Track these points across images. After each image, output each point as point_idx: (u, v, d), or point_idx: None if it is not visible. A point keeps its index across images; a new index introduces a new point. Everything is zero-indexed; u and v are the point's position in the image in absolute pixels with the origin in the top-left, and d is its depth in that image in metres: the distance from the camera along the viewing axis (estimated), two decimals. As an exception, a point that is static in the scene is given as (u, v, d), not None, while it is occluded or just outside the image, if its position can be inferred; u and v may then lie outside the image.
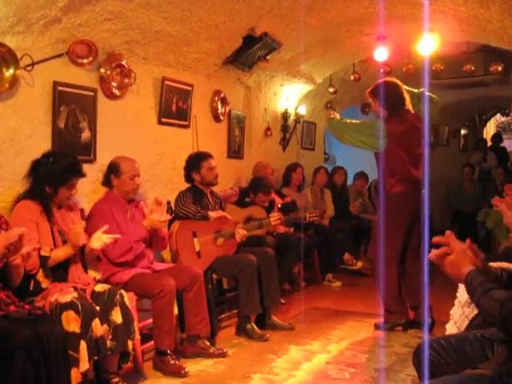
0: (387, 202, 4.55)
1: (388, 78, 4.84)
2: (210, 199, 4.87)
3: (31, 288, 3.22)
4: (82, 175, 3.56)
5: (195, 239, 4.60)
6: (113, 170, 4.07)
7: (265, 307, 4.70)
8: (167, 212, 4.15)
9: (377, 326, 4.75)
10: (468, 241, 2.04)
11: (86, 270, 3.66)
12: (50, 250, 3.29)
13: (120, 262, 3.90)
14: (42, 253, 3.22)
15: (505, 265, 2.77)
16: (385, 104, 4.61)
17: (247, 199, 5.63)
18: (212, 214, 4.68)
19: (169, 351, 3.82)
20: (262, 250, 4.91)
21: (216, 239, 4.69)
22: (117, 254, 3.86)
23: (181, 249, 4.53)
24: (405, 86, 4.67)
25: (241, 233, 4.71)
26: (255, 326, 4.58)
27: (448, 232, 2.05)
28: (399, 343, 4.37)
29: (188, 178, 4.84)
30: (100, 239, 3.46)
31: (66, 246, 3.38)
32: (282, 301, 5.49)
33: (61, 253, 3.35)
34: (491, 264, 2.14)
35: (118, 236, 3.58)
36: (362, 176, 7.92)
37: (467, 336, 2.21)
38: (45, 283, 3.26)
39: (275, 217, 4.98)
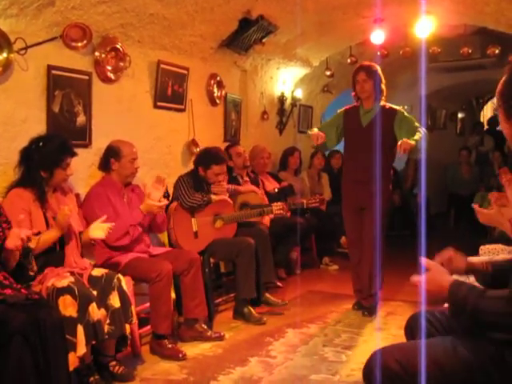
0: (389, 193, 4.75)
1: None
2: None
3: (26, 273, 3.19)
4: (75, 154, 3.54)
5: (193, 219, 4.60)
6: (113, 153, 4.05)
7: (260, 285, 4.75)
8: (164, 196, 4.14)
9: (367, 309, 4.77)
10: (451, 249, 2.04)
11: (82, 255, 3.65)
12: (38, 238, 3.22)
13: (117, 245, 3.91)
14: (29, 243, 3.08)
15: (498, 248, 2.77)
16: (380, 90, 4.61)
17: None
18: (214, 197, 4.68)
19: (166, 335, 3.84)
20: (257, 228, 4.95)
21: (215, 222, 4.69)
22: (114, 237, 3.85)
23: (177, 227, 4.53)
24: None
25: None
26: (252, 310, 4.60)
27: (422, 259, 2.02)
28: (395, 326, 4.39)
29: (196, 168, 4.80)
30: (101, 229, 3.48)
31: (52, 229, 3.31)
32: (279, 284, 5.51)
33: (47, 236, 3.27)
34: (471, 259, 2.14)
35: (113, 224, 3.59)
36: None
37: None
38: (32, 271, 3.17)
39: (278, 206, 4.97)
